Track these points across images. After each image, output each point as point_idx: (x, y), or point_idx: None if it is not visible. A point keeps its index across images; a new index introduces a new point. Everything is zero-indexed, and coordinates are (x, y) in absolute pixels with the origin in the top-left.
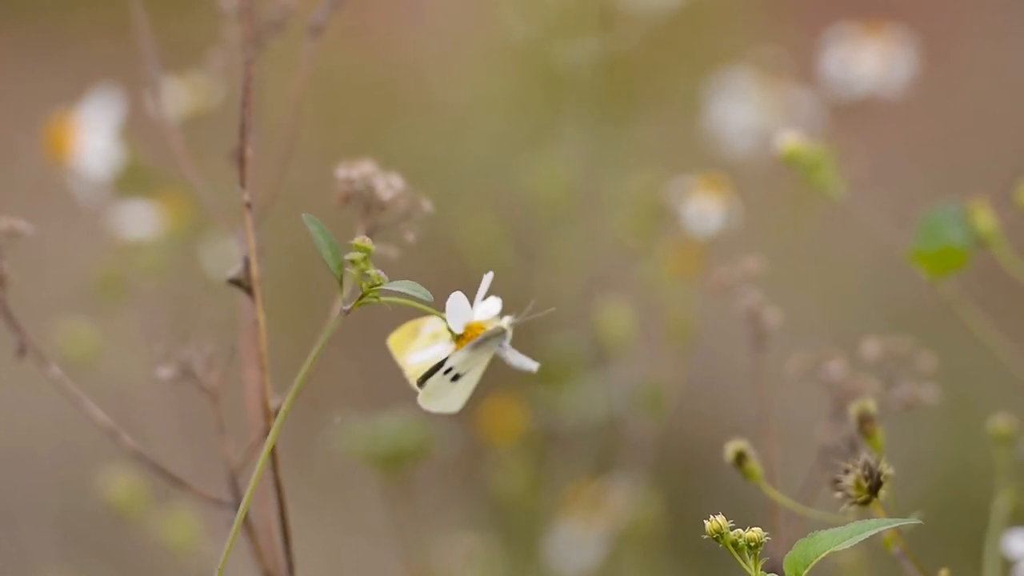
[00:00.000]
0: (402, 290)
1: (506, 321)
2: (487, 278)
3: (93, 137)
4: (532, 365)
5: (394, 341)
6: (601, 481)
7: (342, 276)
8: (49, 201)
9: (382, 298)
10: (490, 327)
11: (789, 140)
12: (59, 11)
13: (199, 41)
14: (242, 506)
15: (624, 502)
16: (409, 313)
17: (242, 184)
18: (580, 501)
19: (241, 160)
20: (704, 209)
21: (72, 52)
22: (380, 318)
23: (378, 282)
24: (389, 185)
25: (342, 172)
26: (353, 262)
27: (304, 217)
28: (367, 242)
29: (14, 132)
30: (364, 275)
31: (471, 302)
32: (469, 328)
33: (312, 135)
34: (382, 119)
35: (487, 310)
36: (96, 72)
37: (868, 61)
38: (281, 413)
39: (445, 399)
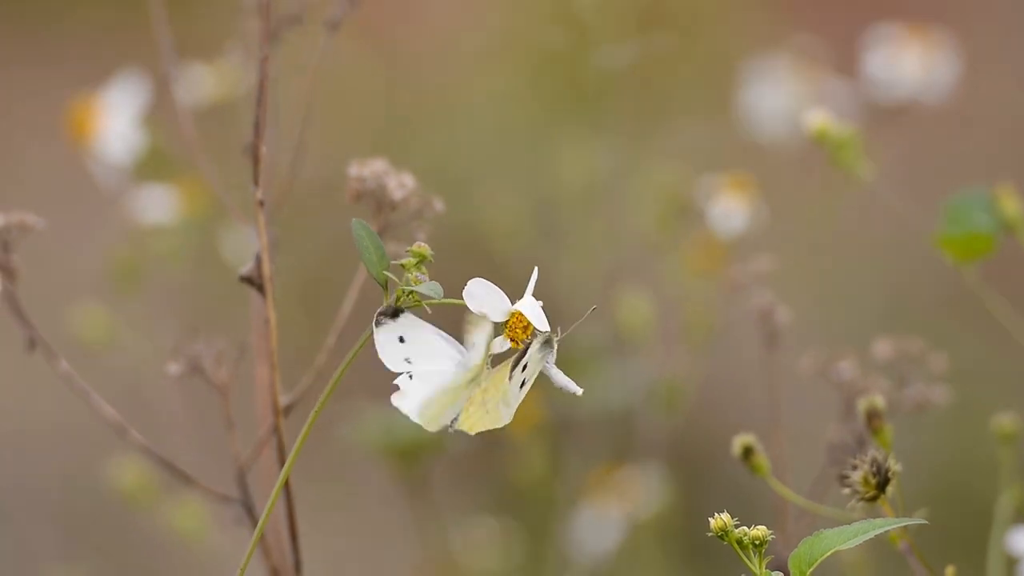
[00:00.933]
0: (422, 291)
1: (552, 337)
2: (535, 275)
3: (116, 121)
4: (577, 389)
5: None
6: (618, 469)
7: (386, 282)
8: (58, 194)
9: (423, 302)
10: (537, 329)
11: (818, 117)
12: (69, 5)
13: (213, 36)
14: (262, 519)
15: (640, 492)
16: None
17: (255, 182)
18: (598, 488)
19: (255, 157)
20: (730, 209)
21: (81, 47)
22: None
23: (415, 283)
24: (401, 184)
25: (354, 170)
26: (403, 266)
27: (354, 222)
28: (424, 248)
29: (25, 124)
30: (407, 279)
31: (507, 297)
32: (514, 317)
33: (323, 131)
34: (392, 116)
35: (529, 305)
36: (107, 66)
37: (910, 65)
38: (308, 423)
39: (493, 414)
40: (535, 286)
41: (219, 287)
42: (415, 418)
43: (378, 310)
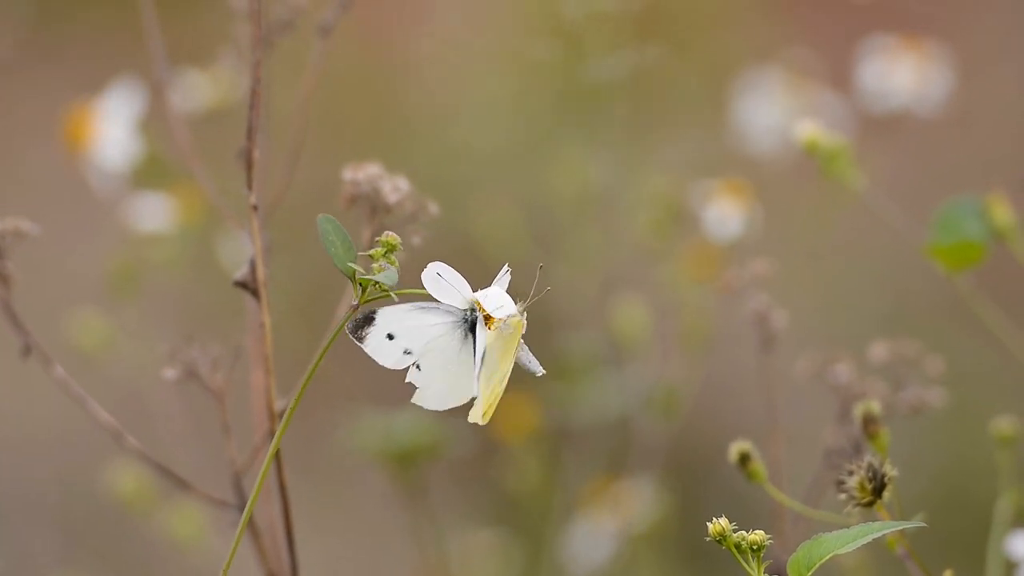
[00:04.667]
0: (379, 279)
1: (517, 309)
2: (505, 271)
3: (112, 128)
4: (539, 369)
5: None
6: (615, 479)
7: (354, 273)
8: (57, 198)
9: (391, 292)
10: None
11: (808, 128)
12: (69, 7)
13: (208, 39)
14: (246, 511)
15: (637, 501)
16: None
17: (249, 186)
18: (595, 497)
19: (248, 162)
20: (725, 214)
21: (81, 49)
22: None
23: (378, 273)
24: (395, 188)
25: (348, 174)
26: (372, 256)
27: (320, 217)
28: (393, 237)
29: (24, 126)
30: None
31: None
32: (478, 304)
33: (317, 135)
34: (387, 119)
35: (491, 293)
36: (107, 68)
37: (904, 76)
38: (284, 418)
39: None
40: (521, 287)
41: (216, 292)
42: (431, 407)
43: (348, 325)
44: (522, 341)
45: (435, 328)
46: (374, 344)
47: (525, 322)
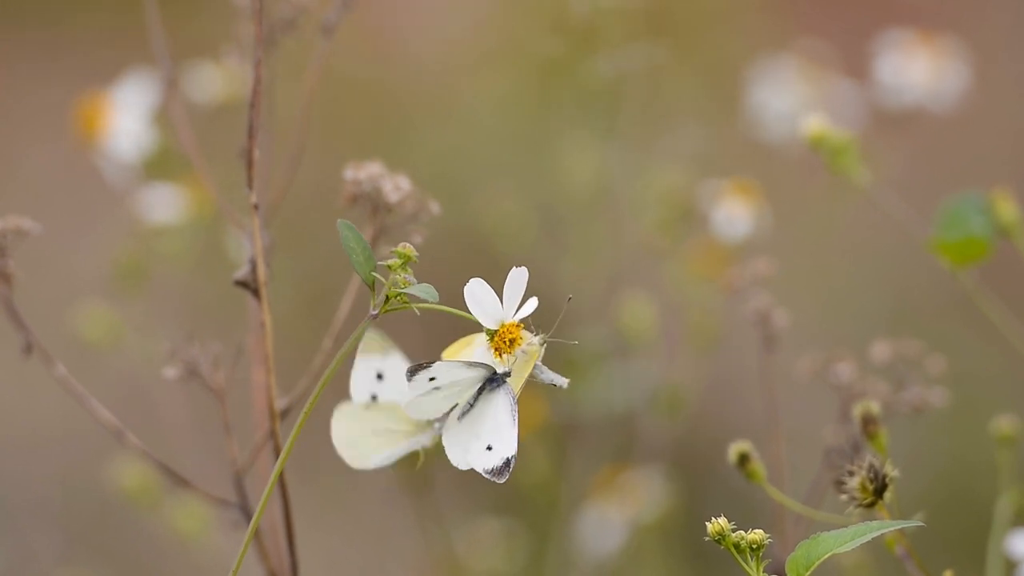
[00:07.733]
0: (416, 293)
1: (537, 340)
2: (515, 273)
3: (125, 118)
4: (563, 381)
5: (448, 355)
6: (622, 472)
7: (373, 282)
8: (60, 197)
9: (412, 304)
10: (525, 344)
11: (814, 123)
12: (64, 13)
13: (212, 38)
14: (255, 517)
15: (643, 495)
16: (422, 314)
17: (249, 186)
18: (602, 490)
19: (249, 161)
20: (734, 214)
21: (81, 51)
22: (391, 315)
23: (404, 285)
24: (396, 186)
25: (349, 173)
26: (390, 267)
27: (339, 223)
28: (410, 249)
29: (26, 127)
30: (394, 281)
31: (498, 295)
32: (504, 328)
33: (319, 134)
34: (388, 117)
35: (523, 309)
36: (107, 71)
37: (920, 71)
38: (294, 429)
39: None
40: (539, 299)
41: (222, 289)
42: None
43: (407, 369)
44: (541, 364)
45: (466, 380)
46: (417, 384)
47: (542, 351)
